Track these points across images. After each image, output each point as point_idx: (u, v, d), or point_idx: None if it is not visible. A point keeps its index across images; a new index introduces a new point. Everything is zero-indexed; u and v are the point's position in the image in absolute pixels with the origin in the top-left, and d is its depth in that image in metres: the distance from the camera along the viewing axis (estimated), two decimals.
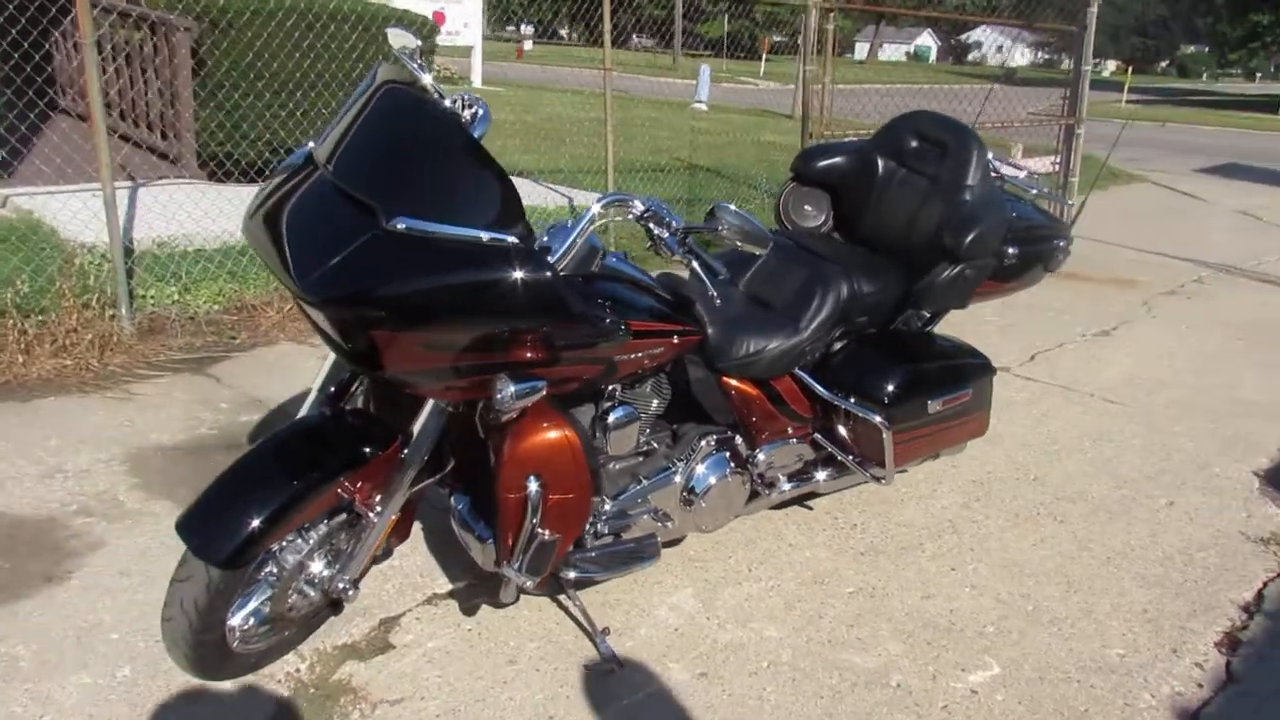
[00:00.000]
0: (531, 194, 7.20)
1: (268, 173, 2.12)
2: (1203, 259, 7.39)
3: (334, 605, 2.36)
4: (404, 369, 1.85)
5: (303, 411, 2.25)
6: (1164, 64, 70.83)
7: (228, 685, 2.21)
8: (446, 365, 1.87)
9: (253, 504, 1.92)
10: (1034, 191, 3.04)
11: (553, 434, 2.04)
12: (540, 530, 2.06)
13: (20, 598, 2.51)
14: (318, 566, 2.19)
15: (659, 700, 2.25)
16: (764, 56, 33.94)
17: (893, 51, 64.59)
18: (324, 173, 1.86)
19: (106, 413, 3.66)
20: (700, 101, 16.76)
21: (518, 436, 2.02)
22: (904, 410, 2.65)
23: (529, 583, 2.13)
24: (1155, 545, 3.07)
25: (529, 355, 1.90)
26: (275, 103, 6.10)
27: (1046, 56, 71.51)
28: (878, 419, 2.62)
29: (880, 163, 2.95)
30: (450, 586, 2.66)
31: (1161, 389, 4.50)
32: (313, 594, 2.22)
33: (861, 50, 68.30)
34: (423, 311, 1.76)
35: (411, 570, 2.71)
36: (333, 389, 2.23)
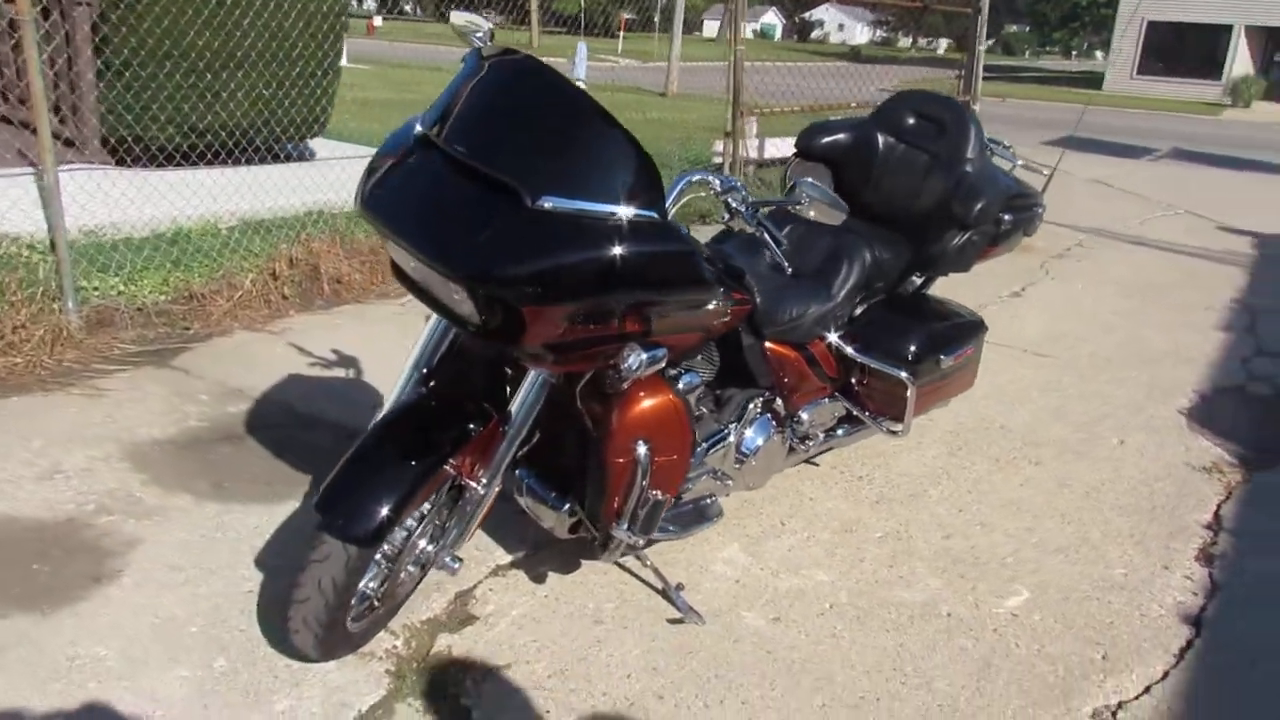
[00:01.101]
0: None
1: (382, 153, 2.08)
2: (1078, 225, 8.04)
3: None
4: (540, 343, 1.92)
5: (394, 392, 2.27)
6: (990, 42, 74.98)
7: (332, 665, 2.23)
8: (582, 337, 1.95)
9: (383, 484, 1.97)
10: (1014, 164, 3.33)
11: (659, 398, 2.15)
12: (651, 491, 2.18)
13: (76, 599, 2.44)
14: (423, 542, 2.24)
15: (746, 645, 2.41)
16: (621, 34, 34.13)
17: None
18: (453, 151, 1.90)
19: (80, 410, 3.51)
20: (579, 80, 16.77)
21: (628, 403, 2.12)
22: (924, 366, 2.88)
23: (640, 541, 2.24)
24: (1120, 479, 3.43)
25: (655, 324, 2.01)
26: (188, 83, 5.84)
27: (885, 35, 74.68)
28: (904, 375, 2.84)
29: (880, 139, 3.17)
30: (510, 558, 2.73)
31: (1080, 343, 4.95)
32: (415, 570, 2.27)
33: (710, 28, 69.54)
34: (571, 287, 1.84)
35: (467, 546, 2.76)
36: (423, 370, 2.27)
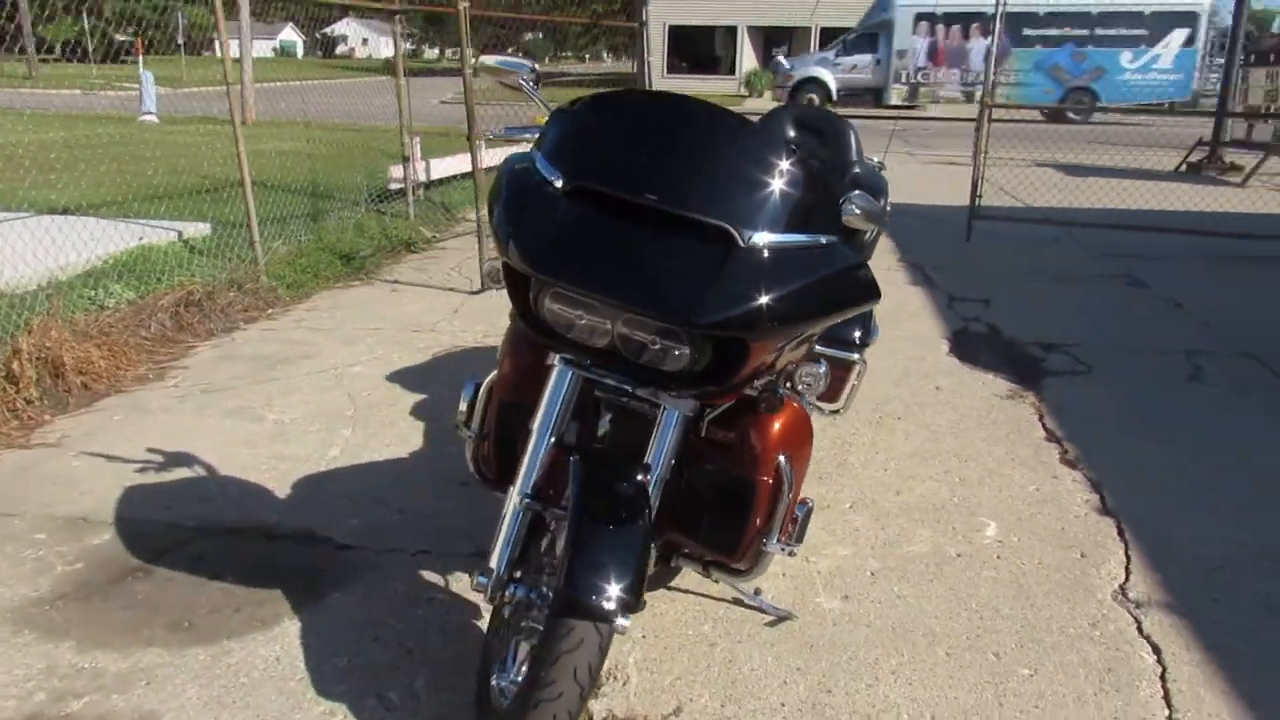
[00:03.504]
0: (122, 235, 6.24)
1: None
2: None
3: None
4: (748, 375, 1.96)
5: (528, 461, 2.10)
6: (511, 50, 78.57)
7: None
8: (779, 364, 2.02)
9: (619, 554, 1.89)
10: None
11: (792, 410, 2.26)
12: (799, 503, 2.28)
13: None
14: None
15: (845, 625, 2.60)
16: (140, 59, 30.94)
17: (261, 48, 62.50)
18: (643, 200, 1.86)
19: None
20: (149, 113, 15.08)
21: (768, 422, 2.21)
22: (865, 350, 3.24)
23: (794, 551, 2.31)
24: (966, 416, 4.08)
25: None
26: None
27: (412, 47, 75.14)
28: (856, 357, 3.17)
29: None
30: None
31: None
32: None
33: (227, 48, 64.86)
34: (794, 318, 1.90)
35: None
36: (553, 437, 2.14)
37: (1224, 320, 5.67)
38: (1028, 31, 23.53)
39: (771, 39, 33.12)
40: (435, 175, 9.42)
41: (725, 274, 1.83)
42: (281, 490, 3.36)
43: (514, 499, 2.10)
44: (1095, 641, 2.54)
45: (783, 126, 3.48)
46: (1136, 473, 3.55)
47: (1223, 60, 26.95)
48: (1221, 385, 4.54)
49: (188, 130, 14.02)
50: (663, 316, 1.83)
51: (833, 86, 25.04)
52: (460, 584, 2.78)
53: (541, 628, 2.04)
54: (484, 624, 2.58)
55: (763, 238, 1.87)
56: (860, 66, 25.28)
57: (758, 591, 2.68)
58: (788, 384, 2.21)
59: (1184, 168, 13.43)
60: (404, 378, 4.49)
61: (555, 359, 2.11)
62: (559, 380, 2.12)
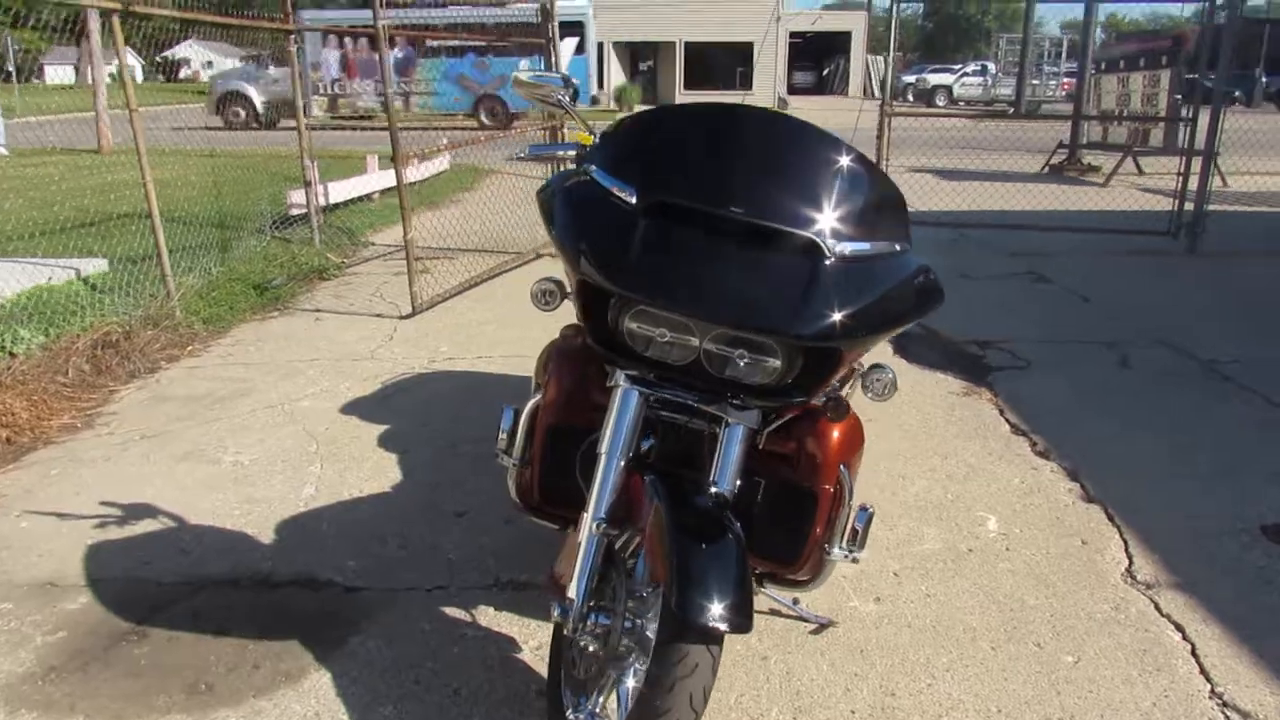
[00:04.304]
0: (13, 276, 5.78)
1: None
2: None
3: None
4: (829, 381, 1.96)
5: (598, 483, 2.03)
6: None
7: None
8: (848, 370, 2.03)
9: (725, 569, 1.84)
10: None
11: (851, 417, 2.27)
12: (863, 509, 2.28)
13: None
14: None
15: (887, 627, 2.62)
16: None
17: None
18: (729, 213, 1.84)
19: None
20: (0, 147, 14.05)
21: (829, 430, 2.21)
22: None
23: (857, 558, 2.31)
24: (933, 415, 4.19)
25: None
26: None
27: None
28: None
29: None
30: None
31: None
32: None
33: (54, 74, 60.99)
34: (881, 324, 1.91)
35: None
36: (621, 462, 2.08)
37: (1129, 311, 6.02)
38: (431, 43, 23.32)
39: (637, 54, 33.60)
40: (334, 199, 9.14)
41: (819, 285, 1.83)
42: (264, 535, 3.16)
43: (588, 525, 2.03)
44: (1123, 624, 2.64)
45: None
46: (1106, 459, 3.72)
47: (1057, 68, 28.84)
48: (1149, 371, 4.81)
49: (45, 162, 13.12)
50: (768, 333, 1.81)
51: (257, 101, 23.55)
52: (488, 617, 2.68)
53: (632, 656, 1.99)
54: (526, 655, 2.51)
55: (846, 247, 1.88)
56: (282, 80, 23.39)
57: (796, 601, 2.68)
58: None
59: (1047, 169, 14.24)
60: (359, 409, 4.31)
61: (620, 379, 2.06)
62: (625, 400, 2.06)
